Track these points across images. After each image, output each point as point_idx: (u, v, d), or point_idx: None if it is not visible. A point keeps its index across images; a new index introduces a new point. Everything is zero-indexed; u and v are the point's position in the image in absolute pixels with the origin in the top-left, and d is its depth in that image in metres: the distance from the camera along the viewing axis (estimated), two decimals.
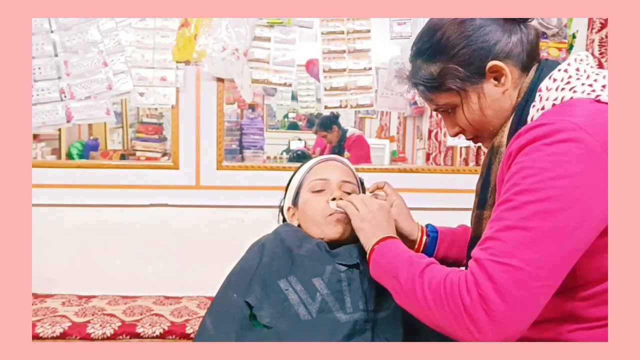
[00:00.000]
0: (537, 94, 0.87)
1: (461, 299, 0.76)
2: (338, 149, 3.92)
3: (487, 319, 0.74)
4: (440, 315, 0.80)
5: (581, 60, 0.88)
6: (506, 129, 0.92)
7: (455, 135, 1.00)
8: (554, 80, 0.86)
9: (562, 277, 0.76)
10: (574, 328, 0.85)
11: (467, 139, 1.01)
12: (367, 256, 1.00)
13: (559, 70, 0.87)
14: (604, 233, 0.78)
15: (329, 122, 3.77)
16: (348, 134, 4.00)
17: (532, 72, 0.91)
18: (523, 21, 0.92)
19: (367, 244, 1.01)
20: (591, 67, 0.88)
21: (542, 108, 0.85)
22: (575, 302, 0.84)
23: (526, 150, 0.79)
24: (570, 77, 0.85)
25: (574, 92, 0.83)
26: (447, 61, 0.90)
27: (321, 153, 4.09)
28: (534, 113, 0.87)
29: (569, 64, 0.88)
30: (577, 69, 0.86)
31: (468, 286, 0.76)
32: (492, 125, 0.94)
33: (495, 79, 0.90)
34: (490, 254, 0.76)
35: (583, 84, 0.83)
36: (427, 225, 1.19)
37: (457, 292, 0.77)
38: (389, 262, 0.93)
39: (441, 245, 1.16)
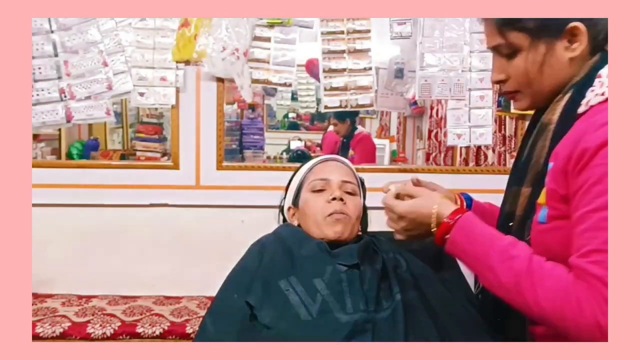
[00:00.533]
0: (597, 79, 0.86)
1: (597, 320, 0.76)
2: (347, 146, 3.91)
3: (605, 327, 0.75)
4: (562, 325, 0.79)
5: None
6: (559, 107, 0.91)
7: (497, 82, 0.98)
8: None
9: None
10: None
11: (503, 92, 0.99)
12: (436, 233, 0.94)
13: None
14: None
15: (344, 114, 3.77)
16: (356, 132, 4.00)
17: (596, 57, 0.91)
18: None
19: (438, 219, 0.94)
20: None
21: (602, 94, 0.85)
22: None
23: (606, 149, 0.77)
24: None
25: None
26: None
27: (331, 148, 4.08)
28: (591, 97, 0.86)
29: None
30: None
31: (601, 307, 0.75)
32: (540, 86, 0.93)
33: (569, 41, 0.89)
34: (605, 268, 0.75)
35: None
36: (463, 194, 1.18)
37: (590, 313, 0.76)
38: (475, 246, 0.89)
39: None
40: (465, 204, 1.15)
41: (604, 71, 0.86)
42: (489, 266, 0.86)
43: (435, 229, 0.95)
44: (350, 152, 3.81)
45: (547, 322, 0.82)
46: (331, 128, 4.25)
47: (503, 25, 0.92)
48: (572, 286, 0.79)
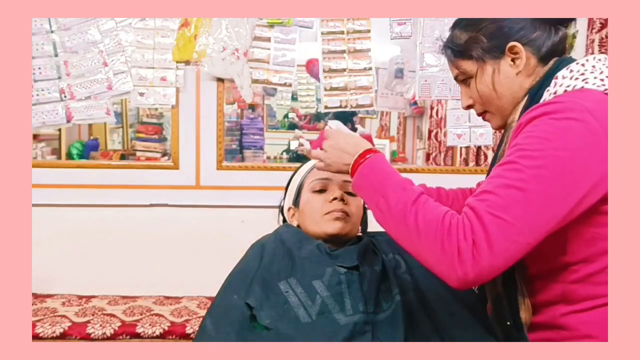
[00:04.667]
0: (553, 80, 0.93)
1: (457, 242, 0.81)
2: None
3: (473, 263, 0.80)
4: (430, 248, 0.84)
5: (599, 59, 0.94)
6: (519, 109, 0.98)
7: (467, 107, 1.07)
8: (570, 70, 0.92)
9: (541, 238, 0.82)
10: (567, 311, 0.90)
11: (477, 114, 1.07)
12: (351, 169, 1.00)
13: (577, 63, 0.93)
14: (591, 212, 0.84)
15: (343, 118, 3.76)
16: (357, 133, 4.00)
17: (551, 63, 0.97)
18: (557, 22, 0.98)
19: (349, 160, 1.00)
20: (606, 67, 0.93)
21: (555, 93, 0.91)
22: (565, 283, 0.90)
23: (535, 122, 0.86)
24: (585, 70, 0.91)
25: (586, 82, 0.89)
26: (475, 31, 0.99)
27: None
28: (546, 96, 0.93)
29: (587, 60, 0.93)
30: (593, 66, 0.92)
31: (465, 232, 0.81)
32: (500, 102, 1.00)
33: (512, 59, 0.97)
34: (486, 206, 0.82)
35: (595, 77, 0.89)
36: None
37: (454, 234, 0.82)
38: (377, 178, 0.95)
39: None
40: None
41: (560, 73, 0.93)
42: (383, 193, 0.92)
43: (350, 164, 1.01)
44: None
45: (421, 249, 0.86)
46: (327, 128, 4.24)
47: (455, 58, 1.03)
48: (449, 215, 0.85)
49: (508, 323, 0.99)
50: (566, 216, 0.82)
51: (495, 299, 1.03)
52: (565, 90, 0.89)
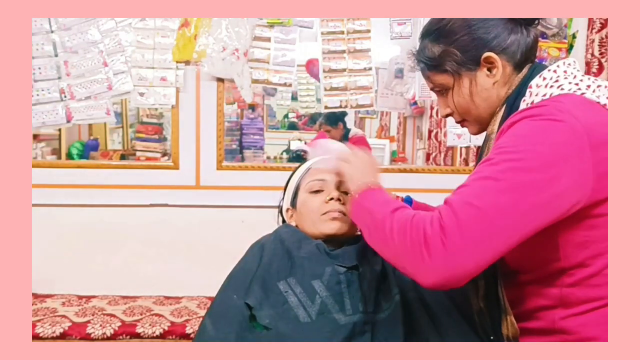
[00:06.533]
0: (528, 90, 0.93)
1: (423, 229, 0.80)
2: None
3: (442, 248, 0.77)
4: (400, 242, 0.83)
5: (569, 64, 0.95)
6: (498, 118, 0.98)
7: (446, 116, 1.07)
8: (544, 78, 0.92)
9: (520, 231, 0.79)
10: (565, 314, 0.89)
11: (456, 122, 1.07)
12: (351, 199, 1.01)
13: (549, 70, 0.93)
14: (582, 217, 0.83)
15: (335, 118, 3.76)
16: (350, 134, 3.99)
17: (525, 70, 0.97)
18: (528, 22, 0.97)
19: (356, 189, 1.01)
20: (577, 70, 0.94)
21: (532, 102, 0.91)
22: (562, 287, 0.89)
23: (516, 125, 0.85)
24: (558, 76, 0.92)
25: (562, 89, 0.89)
26: (448, 44, 0.97)
27: None
28: (523, 106, 0.92)
29: (558, 66, 0.94)
30: (565, 72, 0.92)
31: (432, 219, 0.80)
32: (477, 112, 1.00)
33: (488, 69, 0.97)
34: (459, 198, 0.81)
35: (570, 83, 0.90)
36: (405, 197, 1.26)
37: (421, 224, 0.81)
38: (369, 203, 0.96)
39: None
40: (402, 200, 1.23)
41: (534, 82, 0.93)
42: (370, 211, 0.93)
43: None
44: None
45: (394, 252, 0.85)
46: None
47: (429, 72, 1.02)
48: (419, 213, 0.85)
49: (492, 338, 0.99)
50: (549, 211, 0.80)
51: (478, 314, 1.03)
52: (543, 99, 0.89)
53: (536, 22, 0.99)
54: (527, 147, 0.81)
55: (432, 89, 1.06)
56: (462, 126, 1.07)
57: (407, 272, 0.83)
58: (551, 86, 0.90)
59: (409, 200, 1.25)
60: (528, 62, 0.98)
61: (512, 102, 0.96)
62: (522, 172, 0.79)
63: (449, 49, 0.97)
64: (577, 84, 0.89)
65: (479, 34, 0.95)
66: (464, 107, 1.00)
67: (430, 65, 1.00)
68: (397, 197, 1.24)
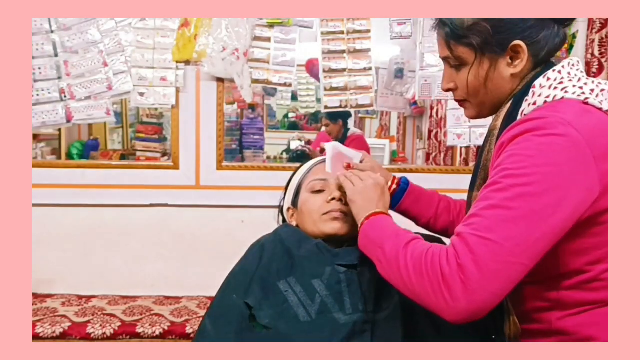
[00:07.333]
0: (531, 90, 0.91)
1: (440, 268, 0.80)
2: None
3: (462, 287, 0.78)
4: (419, 283, 0.83)
5: (573, 65, 0.93)
6: (502, 114, 0.97)
7: (447, 90, 1.03)
8: (548, 79, 0.91)
9: (535, 258, 0.80)
10: (562, 315, 0.89)
11: (454, 99, 1.04)
12: (359, 228, 1.01)
13: (553, 71, 0.92)
14: (579, 225, 0.83)
15: (336, 115, 3.76)
16: (349, 133, 3.99)
17: (539, 69, 0.95)
18: (561, 22, 0.95)
19: (359, 217, 1.02)
20: (581, 72, 0.93)
21: (534, 104, 0.89)
22: (559, 290, 0.89)
23: (517, 140, 0.84)
24: (562, 78, 0.90)
25: (566, 92, 0.88)
26: (482, 20, 0.92)
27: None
28: (525, 106, 0.91)
29: (562, 67, 0.92)
30: (569, 73, 0.91)
31: (448, 257, 0.80)
32: (485, 97, 0.98)
33: (511, 58, 0.93)
34: (472, 229, 0.80)
35: (574, 86, 0.88)
36: (402, 178, 1.27)
37: (437, 261, 0.81)
38: (377, 234, 0.96)
39: (407, 198, 1.25)
40: (398, 186, 1.25)
41: (538, 82, 0.91)
42: (380, 244, 0.92)
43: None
44: None
45: (412, 288, 0.85)
46: (324, 129, 4.24)
47: (451, 39, 0.96)
48: (434, 246, 0.85)
49: (493, 337, 0.99)
50: (559, 232, 0.80)
51: None
52: (546, 101, 0.88)
53: (568, 22, 0.96)
54: (533, 169, 0.80)
55: (443, 58, 1.00)
56: (460, 106, 1.04)
57: (427, 308, 0.84)
58: (555, 87, 0.88)
59: (405, 182, 1.26)
60: (547, 61, 0.95)
61: (519, 99, 0.94)
62: (531, 198, 0.78)
63: (482, 23, 0.91)
64: (581, 88, 0.87)
65: (514, 19, 0.91)
66: (475, 88, 0.97)
67: (456, 33, 0.94)
68: (395, 177, 1.26)
